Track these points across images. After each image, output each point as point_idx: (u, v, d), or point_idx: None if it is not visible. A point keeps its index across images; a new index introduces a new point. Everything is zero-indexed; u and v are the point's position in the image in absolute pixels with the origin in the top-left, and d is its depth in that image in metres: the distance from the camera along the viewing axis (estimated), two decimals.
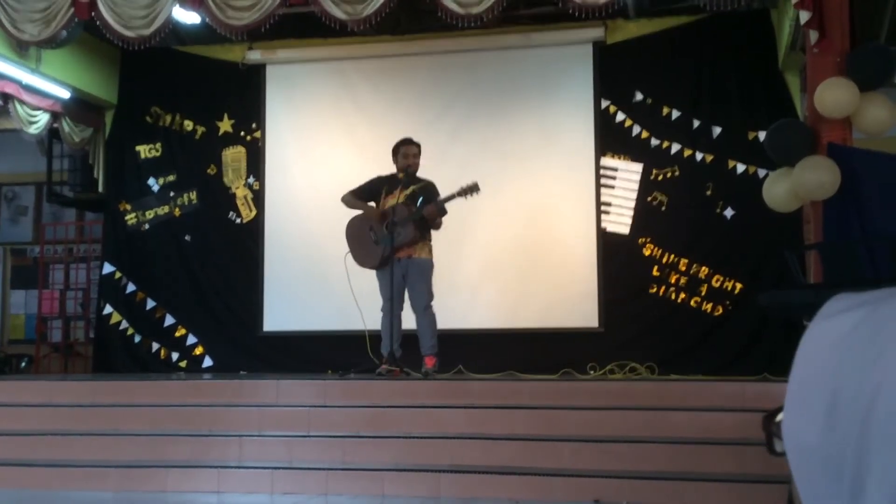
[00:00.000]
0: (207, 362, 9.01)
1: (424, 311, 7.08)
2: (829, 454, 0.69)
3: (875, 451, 0.65)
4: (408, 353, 7.12)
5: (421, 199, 7.09)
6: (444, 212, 7.10)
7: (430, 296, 7.10)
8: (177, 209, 9.30)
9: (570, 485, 5.41)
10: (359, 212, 7.26)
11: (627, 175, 8.40)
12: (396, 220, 6.95)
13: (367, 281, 7.22)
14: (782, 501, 4.76)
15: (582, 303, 8.30)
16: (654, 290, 8.22)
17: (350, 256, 7.18)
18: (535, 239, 8.48)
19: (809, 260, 6.56)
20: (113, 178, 9.43)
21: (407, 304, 7.19)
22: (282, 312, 8.95)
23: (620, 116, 8.47)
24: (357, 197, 7.23)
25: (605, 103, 8.50)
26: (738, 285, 8.01)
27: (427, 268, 7.12)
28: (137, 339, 9.17)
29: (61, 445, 6.35)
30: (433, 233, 7.18)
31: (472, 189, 7.00)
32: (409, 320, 7.21)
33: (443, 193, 7.19)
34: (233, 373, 8.35)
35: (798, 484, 0.73)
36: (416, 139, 7.25)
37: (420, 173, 7.25)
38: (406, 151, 7.14)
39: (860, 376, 0.68)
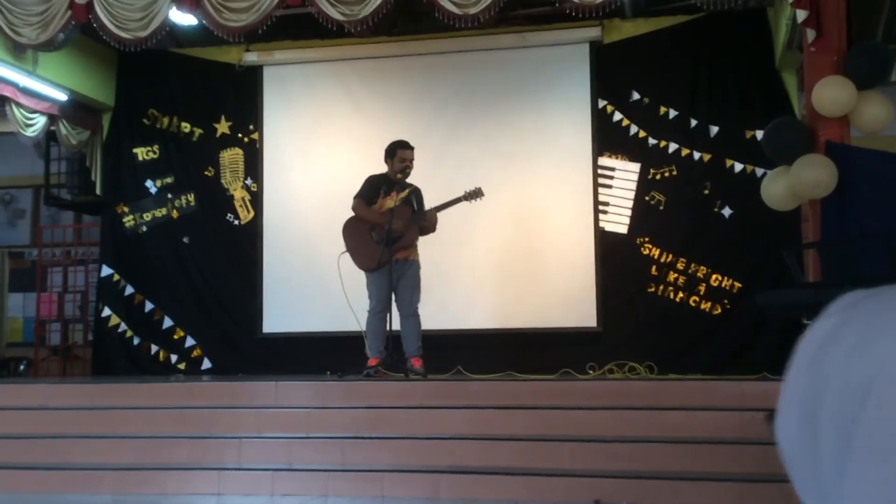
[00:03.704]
0: (206, 364, 9.01)
1: (413, 313, 7.11)
2: (810, 445, 0.71)
3: (858, 439, 0.67)
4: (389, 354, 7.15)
5: (415, 202, 7.13)
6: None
7: (419, 299, 7.15)
8: (175, 211, 9.30)
9: (569, 485, 5.40)
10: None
11: (625, 175, 8.41)
12: (402, 221, 6.99)
13: (361, 282, 7.23)
14: (786, 499, 4.76)
15: (580, 303, 8.30)
16: (653, 289, 8.22)
17: (344, 257, 7.18)
18: (532, 239, 8.48)
19: (808, 259, 6.57)
20: (110, 181, 9.42)
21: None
22: (280, 314, 8.94)
23: (618, 116, 8.47)
24: (366, 202, 7.22)
25: (602, 103, 8.50)
26: (737, 284, 8.02)
27: (419, 271, 7.18)
28: (136, 341, 9.16)
29: (60, 448, 6.35)
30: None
31: (475, 194, 7.06)
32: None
33: (441, 193, 7.22)
34: (231, 375, 8.35)
35: (790, 477, 0.75)
36: (412, 141, 7.27)
37: (416, 174, 7.27)
38: (403, 155, 7.15)
39: (841, 367, 0.70)
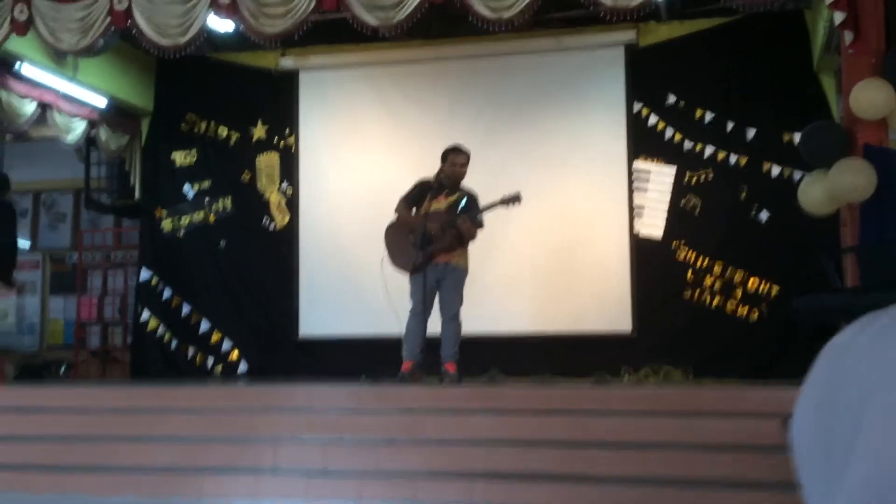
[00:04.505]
0: (242, 367, 9.08)
1: (453, 318, 7.07)
2: (824, 445, 0.74)
3: (863, 435, 0.69)
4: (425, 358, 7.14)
5: (462, 208, 7.08)
6: (481, 225, 7.09)
7: (461, 303, 7.10)
8: (212, 215, 9.38)
9: (604, 491, 5.38)
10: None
11: (660, 178, 8.36)
12: (439, 224, 6.97)
13: (404, 285, 7.24)
14: None
15: (615, 307, 8.26)
16: (689, 294, 8.17)
17: (386, 260, 7.19)
18: (567, 243, 8.46)
19: (846, 263, 6.49)
20: (149, 185, 9.54)
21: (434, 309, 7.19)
22: (317, 318, 8.99)
23: (653, 119, 8.42)
24: (409, 204, 7.21)
25: (637, 106, 8.46)
26: (774, 289, 7.94)
27: (462, 275, 7.12)
28: (174, 344, 9.26)
29: (98, 451, 6.42)
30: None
31: (514, 199, 7.01)
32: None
33: (480, 200, 7.19)
34: (268, 378, 8.41)
35: (800, 477, 0.78)
36: (446, 146, 7.26)
37: None
38: (454, 159, 7.12)
39: (855, 368, 0.73)
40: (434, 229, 7.00)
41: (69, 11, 7.32)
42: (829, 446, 0.73)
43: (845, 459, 0.70)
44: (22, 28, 7.21)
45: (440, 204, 7.08)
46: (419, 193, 7.21)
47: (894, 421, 0.67)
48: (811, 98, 7.82)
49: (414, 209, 7.20)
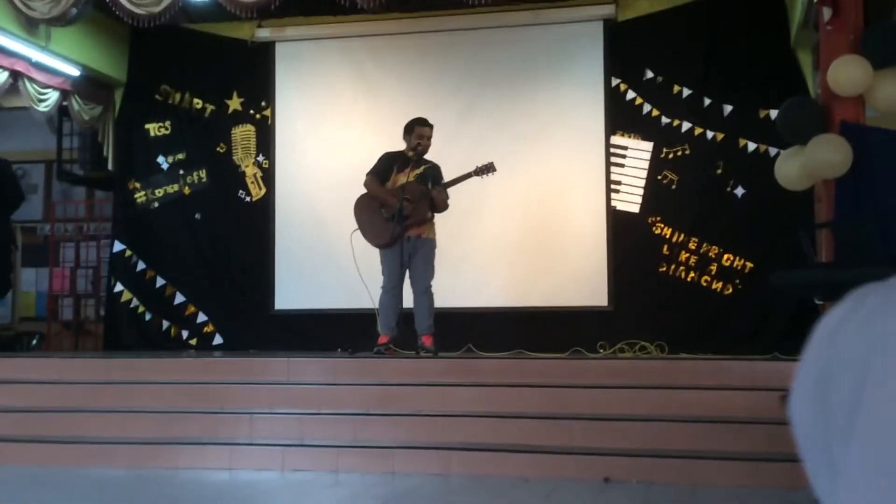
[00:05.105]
0: (218, 340, 9.05)
1: (426, 291, 7.10)
2: (822, 423, 0.74)
3: (860, 418, 0.70)
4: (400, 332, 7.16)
5: (431, 180, 7.10)
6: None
7: (433, 276, 7.13)
8: (186, 187, 9.31)
9: (580, 463, 5.43)
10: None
11: (637, 154, 8.38)
12: (410, 197, 6.96)
13: (375, 259, 7.24)
14: (796, 479, 4.77)
15: (592, 281, 8.30)
16: (664, 268, 8.21)
17: (356, 234, 7.18)
18: (544, 217, 8.47)
19: (821, 239, 6.54)
20: (122, 157, 9.44)
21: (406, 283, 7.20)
22: (292, 291, 8.96)
23: (631, 95, 8.43)
24: (379, 179, 7.20)
25: (615, 81, 8.46)
26: (749, 264, 8.00)
27: (433, 248, 7.15)
28: (148, 317, 9.21)
29: (72, 422, 6.39)
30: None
31: (487, 169, 7.05)
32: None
33: (454, 172, 7.20)
34: (243, 351, 8.39)
35: (802, 456, 0.78)
36: (429, 120, 7.25)
37: (431, 152, 7.25)
38: (420, 132, 7.14)
39: (847, 346, 0.73)
40: (408, 203, 7.00)
41: None
42: (827, 427, 0.73)
43: (845, 439, 0.70)
44: None
45: (406, 177, 7.08)
46: (386, 167, 7.20)
47: (891, 402, 0.68)
48: (788, 74, 7.84)
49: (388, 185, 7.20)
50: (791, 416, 0.79)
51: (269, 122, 9.17)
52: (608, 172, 8.38)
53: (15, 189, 8.65)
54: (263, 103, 9.20)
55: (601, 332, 7.74)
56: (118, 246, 9.35)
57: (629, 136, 8.41)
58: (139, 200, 9.37)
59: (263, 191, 9.16)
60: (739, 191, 8.08)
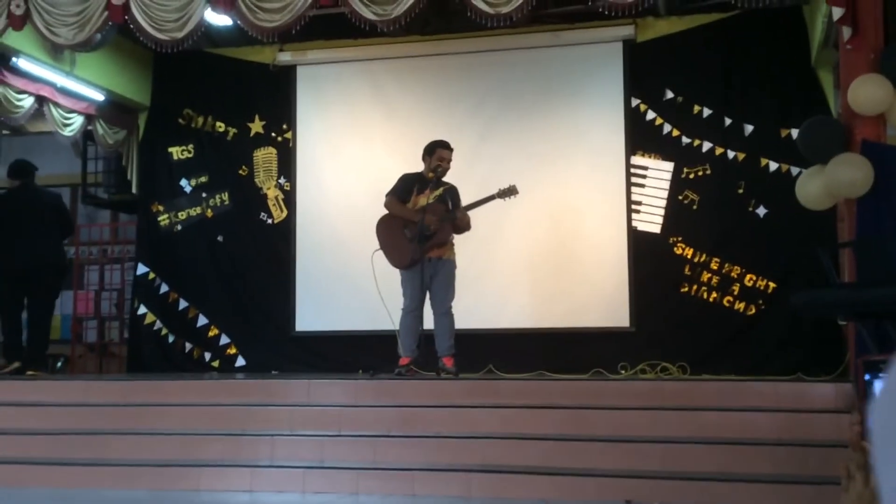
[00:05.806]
0: (240, 362, 9.08)
1: (447, 312, 7.10)
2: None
3: None
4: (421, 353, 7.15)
5: (450, 201, 7.13)
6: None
7: (454, 297, 7.13)
8: (209, 210, 9.38)
9: (601, 485, 5.39)
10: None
11: (658, 174, 8.36)
12: (434, 219, 6.98)
13: (395, 281, 7.24)
14: (821, 500, 4.72)
15: (613, 302, 8.27)
16: (686, 289, 8.17)
17: (377, 255, 7.20)
18: (565, 238, 8.47)
19: (843, 258, 6.51)
20: (146, 180, 9.53)
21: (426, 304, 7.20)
22: (313, 313, 8.99)
23: (651, 115, 8.43)
24: (399, 199, 7.22)
25: (635, 102, 8.46)
26: (772, 284, 7.95)
27: (453, 269, 7.17)
28: (171, 339, 9.26)
29: (96, 445, 6.42)
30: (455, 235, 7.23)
31: (510, 191, 7.07)
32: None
33: (474, 193, 7.22)
34: (265, 373, 8.41)
35: (876, 465, 0.85)
36: (450, 142, 7.28)
37: (451, 172, 7.27)
38: (441, 154, 7.17)
39: None
40: (433, 223, 7.02)
41: (66, 6, 7.30)
42: None
43: None
44: (19, 22, 7.19)
45: (426, 198, 7.10)
46: (407, 188, 7.23)
47: None
48: (809, 93, 7.83)
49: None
50: (869, 426, 0.84)
51: (291, 144, 9.23)
52: (629, 193, 8.37)
53: (68, 218, 8.77)
54: (285, 126, 9.27)
55: (622, 352, 7.70)
56: (142, 268, 9.42)
57: (649, 157, 8.40)
58: (162, 223, 9.45)
59: (285, 213, 9.21)
60: (761, 210, 8.04)
